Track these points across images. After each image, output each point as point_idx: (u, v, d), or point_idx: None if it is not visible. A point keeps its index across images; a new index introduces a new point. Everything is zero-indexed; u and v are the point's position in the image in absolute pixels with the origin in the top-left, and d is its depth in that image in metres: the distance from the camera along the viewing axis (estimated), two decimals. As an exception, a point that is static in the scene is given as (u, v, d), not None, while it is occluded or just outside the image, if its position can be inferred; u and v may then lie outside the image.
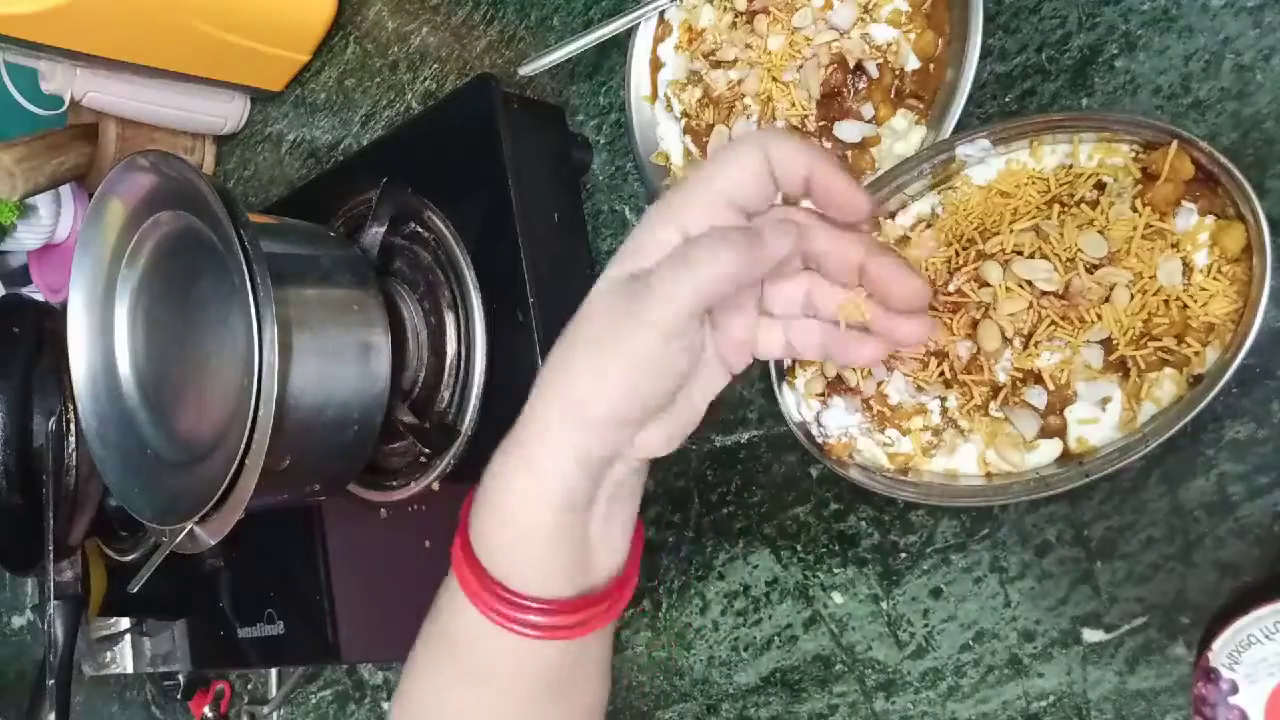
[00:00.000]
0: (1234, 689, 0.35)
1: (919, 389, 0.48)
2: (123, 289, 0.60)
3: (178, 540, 0.53)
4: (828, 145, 0.53)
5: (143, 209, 0.57)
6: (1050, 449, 0.44)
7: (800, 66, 0.53)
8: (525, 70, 0.61)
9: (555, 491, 0.37)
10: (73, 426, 0.70)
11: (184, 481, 0.55)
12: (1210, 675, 0.35)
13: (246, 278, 0.49)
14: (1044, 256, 0.44)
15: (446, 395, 0.61)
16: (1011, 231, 0.46)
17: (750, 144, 0.36)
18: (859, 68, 0.51)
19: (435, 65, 0.75)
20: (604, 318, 0.36)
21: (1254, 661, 0.35)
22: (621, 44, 0.61)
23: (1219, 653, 0.35)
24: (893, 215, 0.51)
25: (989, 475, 0.46)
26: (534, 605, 0.38)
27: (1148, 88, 0.46)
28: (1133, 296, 0.42)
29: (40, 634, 0.91)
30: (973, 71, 0.48)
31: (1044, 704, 0.47)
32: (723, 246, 0.35)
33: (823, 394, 0.50)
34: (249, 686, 0.92)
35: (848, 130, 0.51)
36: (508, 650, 0.39)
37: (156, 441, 0.58)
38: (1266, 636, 0.35)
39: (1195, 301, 0.41)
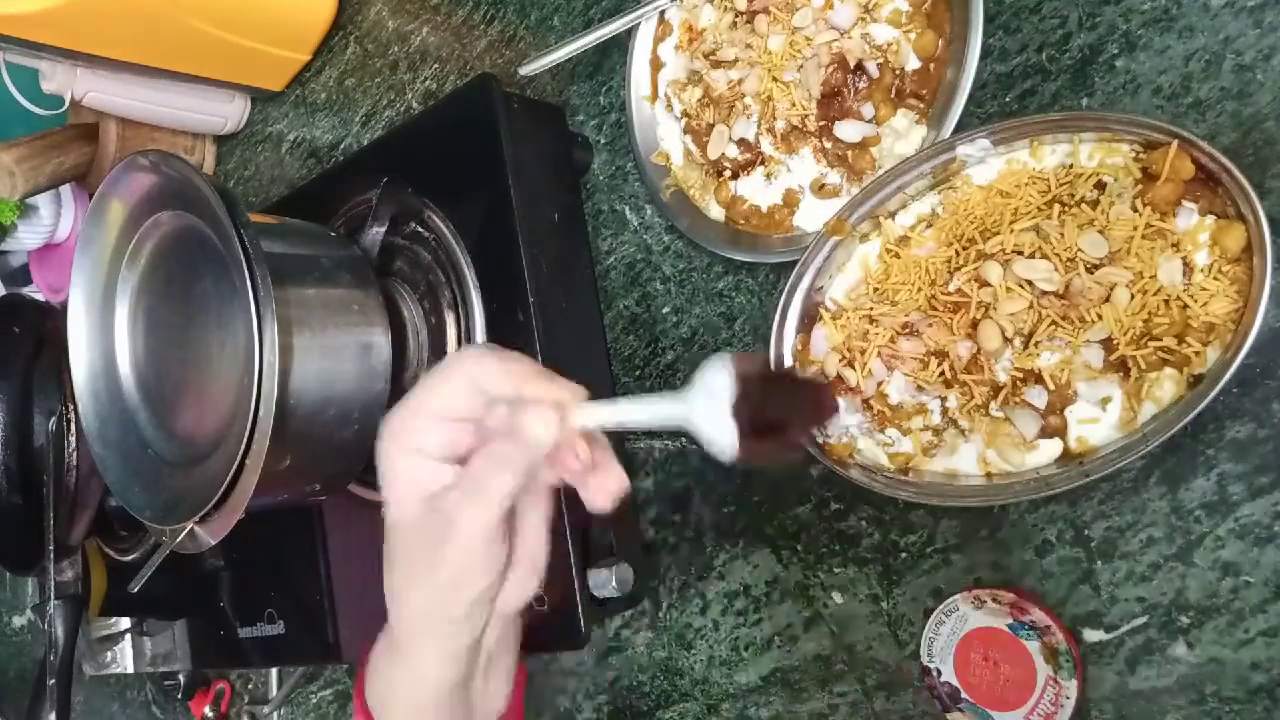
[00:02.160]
0: (940, 673, 0.48)
1: (919, 389, 0.48)
2: (123, 289, 0.60)
3: (178, 540, 0.53)
4: (828, 145, 0.53)
5: (143, 209, 0.57)
6: (1050, 449, 0.44)
7: (800, 66, 0.53)
8: (525, 70, 0.61)
9: (434, 686, 0.42)
10: (73, 426, 0.70)
11: (184, 481, 0.55)
12: (927, 670, 0.49)
13: (247, 278, 0.49)
14: (1044, 256, 0.44)
15: (447, 395, 0.61)
16: (1012, 231, 0.46)
17: (451, 368, 0.40)
18: (859, 67, 0.51)
19: (435, 65, 0.75)
20: (421, 548, 0.40)
21: (939, 650, 0.48)
22: (622, 44, 0.61)
23: (924, 652, 0.49)
24: (893, 215, 0.51)
25: (989, 475, 0.46)
26: None
27: (1148, 88, 0.46)
28: (1133, 296, 0.42)
29: (40, 634, 0.91)
30: (973, 71, 0.48)
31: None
32: (498, 470, 0.38)
33: (823, 394, 0.50)
34: (249, 686, 0.92)
35: (848, 130, 0.51)
36: None
37: (157, 441, 0.58)
38: (935, 631, 0.49)
39: (1195, 301, 0.41)
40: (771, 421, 0.35)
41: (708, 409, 0.35)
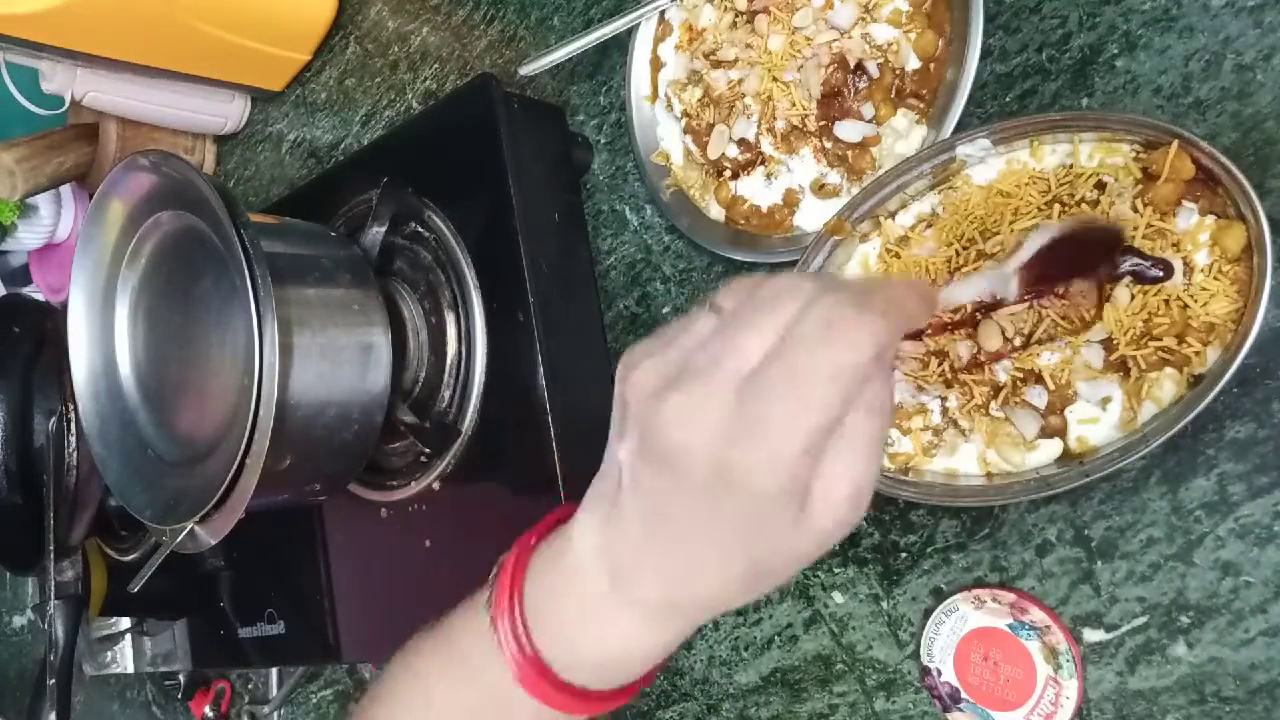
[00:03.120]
0: (940, 673, 0.48)
1: (919, 389, 0.48)
2: (123, 289, 0.60)
3: (178, 540, 0.53)
4: (828, 145, 0.53)
5: (143, 209, 0.57)
6: (1050, 449, 0.44)
7: (801, 66, 0.53)
8: (525, 70, 0.61)
9: (663, 649, 0.36)
10: (73, 426, 0.70)
11: (184, 481, 0.55)
12: (927, 671, 0.49)
13: (247, 278, 0.49)
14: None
15: (447, 395, 0.61)
16: (1012, 231, 0.46)
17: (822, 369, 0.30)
18: (859, 67, 0.51)
19: (435, 65, 0.75)
20: (764, 538, 0.32)
21: (939, 650, 0.49)
22: (622, 44, 0.61)
23: (924, 652, 0.49)
24: (893, 215, 0.51)
25: (989, 475, 0.46)
26: (594, 696, 0.37)
27: (1148, 87, 0.46)
28: (1133, 296, 0.42)
29: (41, 634, 0.91)
30: (973, 71, 0.48)
31: (1044, 704, 0.47)
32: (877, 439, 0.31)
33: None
34: (249, 686, 0.92)
35: (848, 130, 0.52)
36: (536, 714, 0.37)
37: (157, 441, 0.58)
38: (935, 631, 0.49)
39: (1196, 301, 0.41)
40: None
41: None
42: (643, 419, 0.32)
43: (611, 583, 0.34)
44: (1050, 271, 0.41)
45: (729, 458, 0.30)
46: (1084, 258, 0.41)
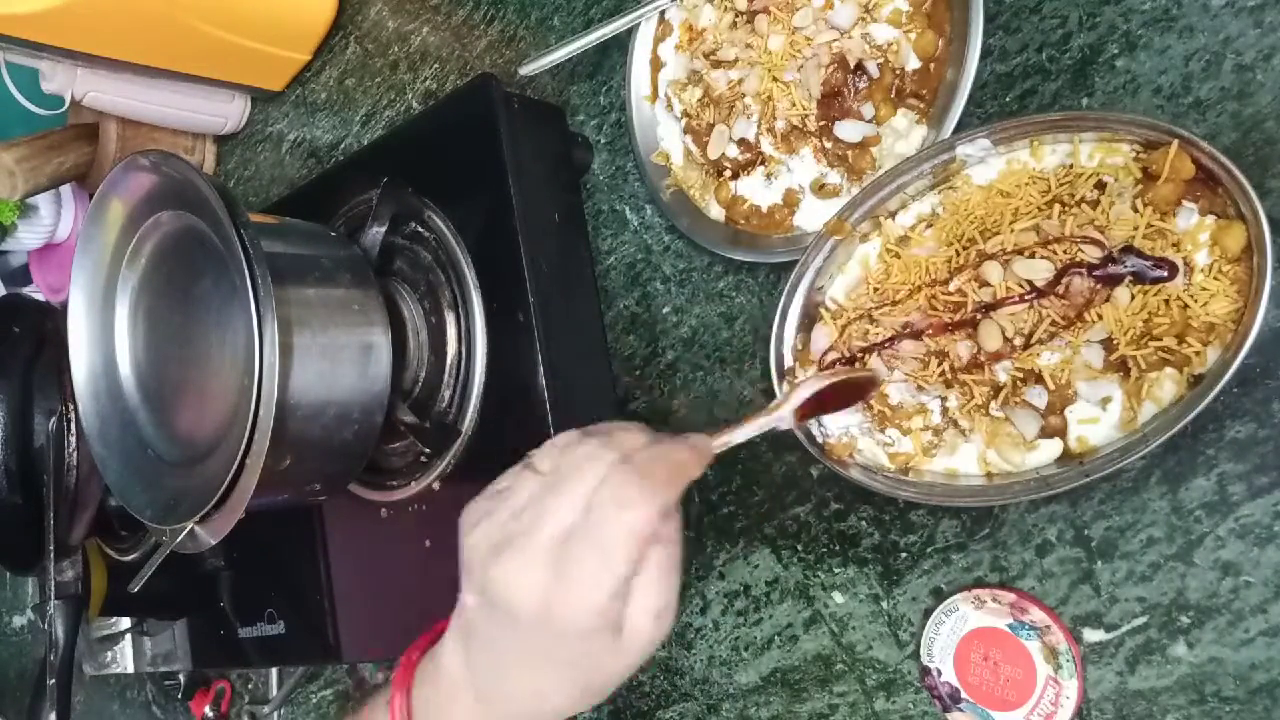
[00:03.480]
0: (940, 673, 0.49)
1: (919, 389, 0.48)
2: (123, 289, 0.60)
3: (178, 540, 0.53)
4: (828, 145, 0.53)
5: (143, 209, 0.57)
6: (1051, 449, 0.44)
7: (801, 66, 0.53)
8: (525, 70, 0.61)
9: None
10: (73, 426, 0.70)
11: (184, 481, 0.55)
12: (927, 671, 0.49)
13: (247, 278, 0.49)
14: (1044, 257, 0.44)
15: (447, 395, 0.61)
16: (1012, 231, 0.46)
17: (608, 530, 0.39)
18: (859, 67, 0.51)
19: (435, 65, 0.75)
20: (588, 655, 0.40)
21: (939, 650, 0.49)
22: (622, 44, 0.61)
23: (924, 652, 0.50)
24: (893, 215, 0.51)
25: (989, 475, 0.46)
26: None
27: (1148, 87, 0.46)
28: (1133, 296, 0.42)
29: (41, 633, 0.91)
30: (973, 71, 0.48)
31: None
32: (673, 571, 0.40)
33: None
34: (249, 686, 0.92)
35: (848, 130, 0.51)
36: None
37: (157, 441, 0.58)
38: (935, 631, 0.49)
39: (1196, 301, 0.41)
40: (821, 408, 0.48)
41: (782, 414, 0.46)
42: (478, 579, 0.40)
43: (477, 699, 0.42)
44: (822, 408, 0.48)
45: (548, 609, 0.38)
46: (849, 393, 0.48)
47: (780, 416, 0.46)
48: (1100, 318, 0.43)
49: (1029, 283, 0.44)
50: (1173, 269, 0.41)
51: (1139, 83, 0.46)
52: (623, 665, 0.40)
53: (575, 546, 0.38)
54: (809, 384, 0.47)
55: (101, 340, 0.61)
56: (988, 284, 0.45)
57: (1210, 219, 0.42)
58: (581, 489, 0.38)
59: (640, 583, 0.39)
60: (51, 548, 0.70)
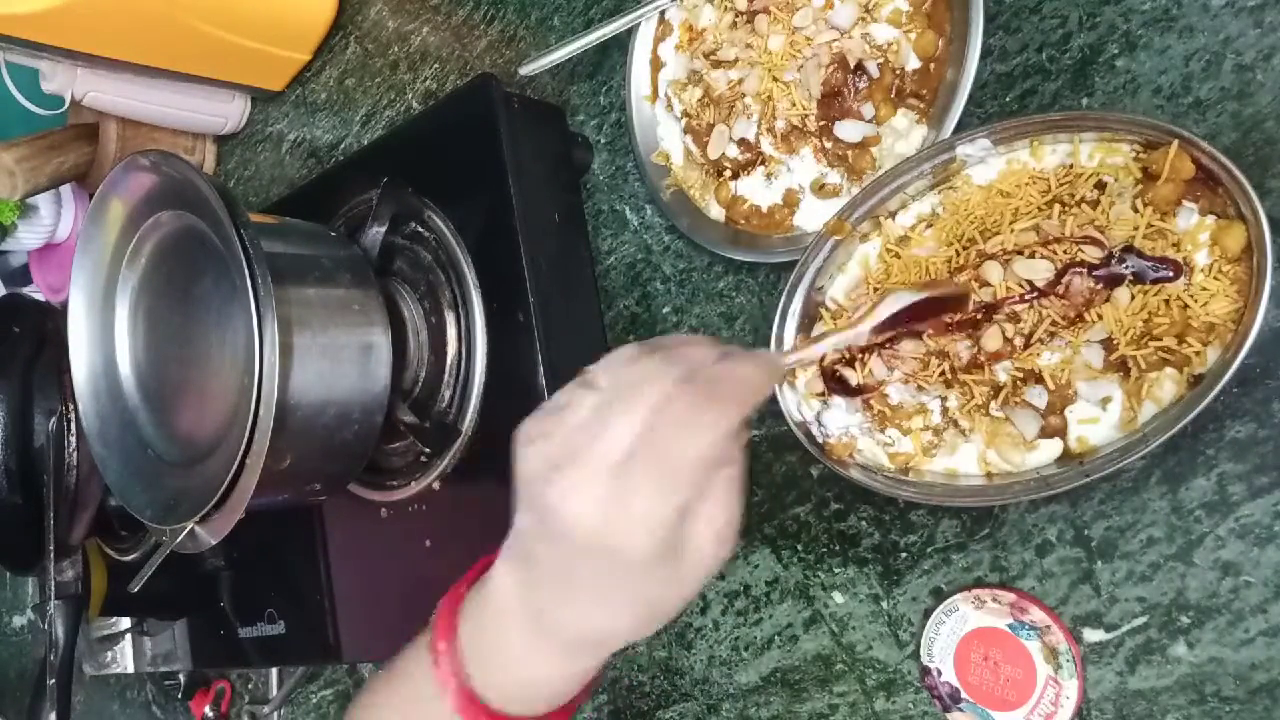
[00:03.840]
0: (940, 673, 0.49)
1: (919, 389, 0.48)
2: (123, 289, 0.60)
3: (178, 540, 0.53)
4: (828, 145, 0.53)
5: (143, 209, 0.57)
6: (1051, 449, 0.44)
7: (801, 66, 0.53)
8: (526, 70, 0.61)
9: (579, 677, 0.41)
10: (73, 426, 0.70)
11: (184, 481, 0.55)
12: (927, 671, 0.49)
13: (247, 278, 0.49)
14: (1044, 256, 0.44)
15: (447, 395, 0.61)
16: (1012, 231, 0.46)
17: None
18: (859, 67, 0.51)
19: (436, 65, 0.75)
20: (648, 588, 0.38)
21: (939, 650, 0.49)
22: (622, 44, 0.61)
23: (924, 652, 0.50)
24: (893, 215, 0.51)
25: (989, 475, 0.46)
26: None
27: (1148, 87, 0.46)
28: (1133, 296, 0.42)
29: (41, 633, 0.91)
30: (973, 71, 0.48)
31: (1044, 704, 0.47)
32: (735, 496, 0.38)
33: (823, 394, 0.50)
34: (249, 686, 0.92)
35: (848, 130, 0.51)
36: None
37: (157, 441, 0.58)
38: (935, 631, 0.49)
39: (1196, 301, 0.41)
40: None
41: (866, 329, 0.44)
42: (534, 499, 0.38)
43: (533, 626, 0.40)
44: (900, 327, 0.45)
45: (607, 532, 0.36)
46: (931, 312, 0.46)
47: (859, 333, 0.44)
48: (1100, 318, 0.43)
49: (1029, 283, 0.44)
50: (1177, 269, 0.41)
51: (1139, 83, 0.46)
52: (685, 590, 0.38)
53: (636, 469, 0.35)
54: (891, 300, 0.44)
55: (101, 340, 0.61)
56: (988, 284, 0.45)
57: (1210, 219, 0.42)
58: (642, 409, 0.36)
59: (703, 506, 0.36)
60: (51, 548, 0.70)
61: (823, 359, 0.50)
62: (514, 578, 0.40)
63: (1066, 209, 0.45)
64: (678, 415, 0.35)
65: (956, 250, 0.47)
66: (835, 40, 0.52)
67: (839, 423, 0.50)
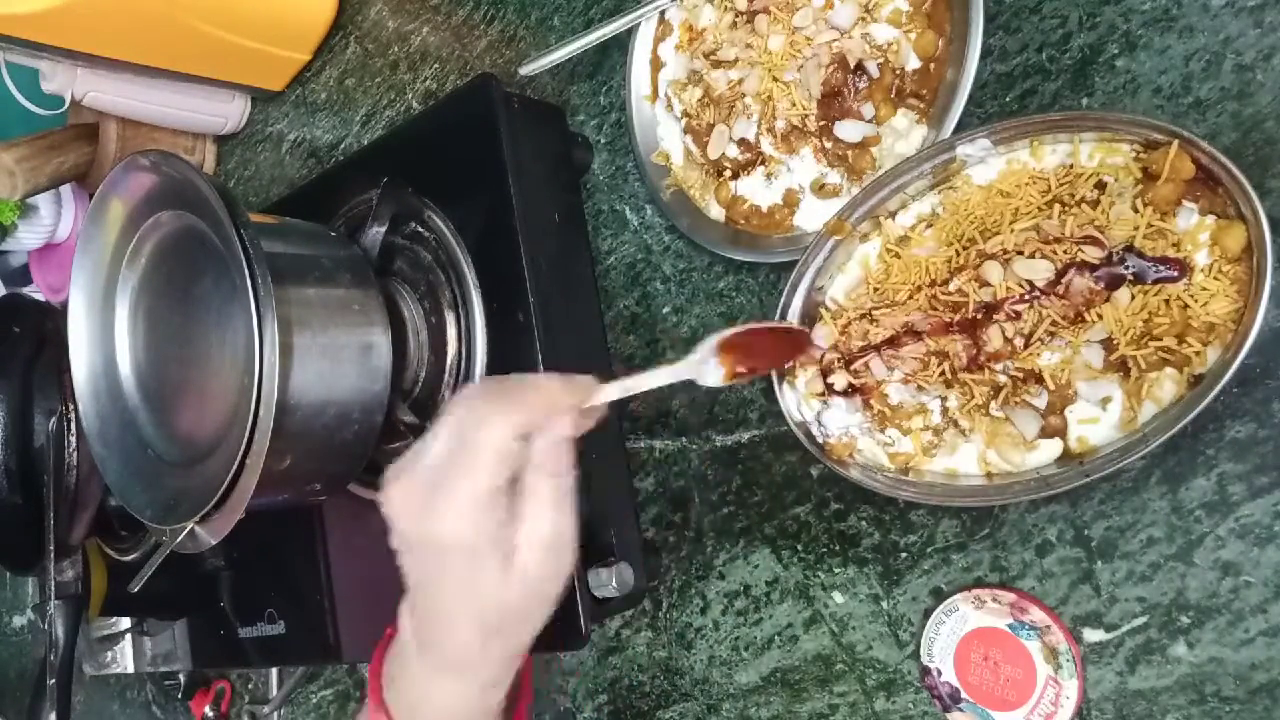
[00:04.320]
0: (940, 673, 0.49)
1: (919, 389, 0.48)
2: (123, 289, 0.60)
3: (178, 540, 0.53)
4: (828, 145, 0.53)
5: (143, 209, 0.57)
6: (1051, 449, 0.44)
7: (801, 66, 0.53)
8: (526, 70, 0.61)
9: (481, 706, 0.44)
10: (73, 426, 0.70)
11: (184, 481, 0.55)
12: (927, 671, 0.50)
13: (247, 278, 0.49)
14: (1044, 256, 0.44)
15: (447, 395, 0.61)
16: (1012, 231, 0.46)
17: (472, 443, 0.41)
18: (859, 67, 0.51)
19: (436, 65, 0.75)
20: (478, 585, 0.41)
21: (939, 650, 0.49)
22: (622, 44, 0.61)
23: (924, 652, 0.50)
24: (893, 215, 0.51)
25: (989, 475, 0.46)
26: None
27: (1148, 87, 0.46)
28: (1133, 296, 0.42)
29: (41, 633, 0.91)
30: (973, 71, 0.48)
31: (1044, 704, 0.47)
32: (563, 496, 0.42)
33: (823, 394, 0.50)
34: (249, 686, 0.92)
35: (848, 130, 0.51)
36: None
37: (157, 441, 0.58)
38: (935, 631, 0.49)
39: (1196, 301, 0.41)
40: (751, 359, 0.47)
41: (701, 361, 0.46)
42: (390, 524, 0.42)
43: (422, 653, 0.44)
44: (747, 360, 0.47)
45: (429, 518, 0.40)
46: (775, 352, 0.49)
47: (691, 369, 0.45)
48: (1100, 318, 0.43)
49: (1029, 283, 0.44)
50: (1182, 269, 0.41)
51: (1139, 83, 0.46)
52: (514, 595, 0.41)
53: (447, 463, 0.41)
54: (719, 334, 0.46)
55: (101, 340, 0.60)
56: (988, 284, 0.46)
57: (1210, 219, 0.42)
58: (453, 420, 0.41)
59: (526, 511, 0.41)
60: (51, 548, 0.70)
61: (821, 358, 0.50)
62: (405, 609, 0.44)
63: (1067, 209, 0.45)
64: (476, 412, 0.41)
65: (956, 250, 0.47)
66: (835, 40, 0.52)
67: (839, 423, 0.50)
